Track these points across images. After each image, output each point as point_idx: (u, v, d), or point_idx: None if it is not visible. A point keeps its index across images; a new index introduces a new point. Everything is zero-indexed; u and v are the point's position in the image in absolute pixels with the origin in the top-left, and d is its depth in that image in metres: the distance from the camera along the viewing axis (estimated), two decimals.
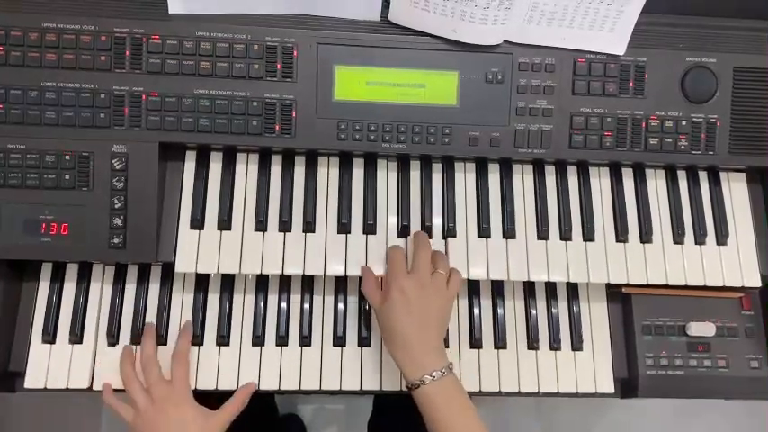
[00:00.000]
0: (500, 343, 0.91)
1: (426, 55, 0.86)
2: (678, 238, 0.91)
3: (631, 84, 0.88)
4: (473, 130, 0.87)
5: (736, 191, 0.95)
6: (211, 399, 0.85)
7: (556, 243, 0.90)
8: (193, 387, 0.85)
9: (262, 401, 1.28)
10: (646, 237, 0.91)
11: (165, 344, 0.87)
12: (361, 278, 0.86)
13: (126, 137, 0.83)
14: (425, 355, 0.77)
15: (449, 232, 0.89)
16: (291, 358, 0.88)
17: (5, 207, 0.81)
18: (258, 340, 0.88)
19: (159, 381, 0.81)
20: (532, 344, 0.91)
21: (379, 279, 0.86)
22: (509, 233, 0.89)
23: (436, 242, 0.88)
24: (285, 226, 0.87)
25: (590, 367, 0.91)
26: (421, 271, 0.81)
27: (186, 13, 0.83)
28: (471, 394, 0.89)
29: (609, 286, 0.94)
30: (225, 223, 0.86)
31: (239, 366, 0.87)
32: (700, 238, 0.92)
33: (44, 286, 0.88)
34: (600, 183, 0.93)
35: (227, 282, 0.90)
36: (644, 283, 0.89)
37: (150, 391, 0.81)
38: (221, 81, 0.83)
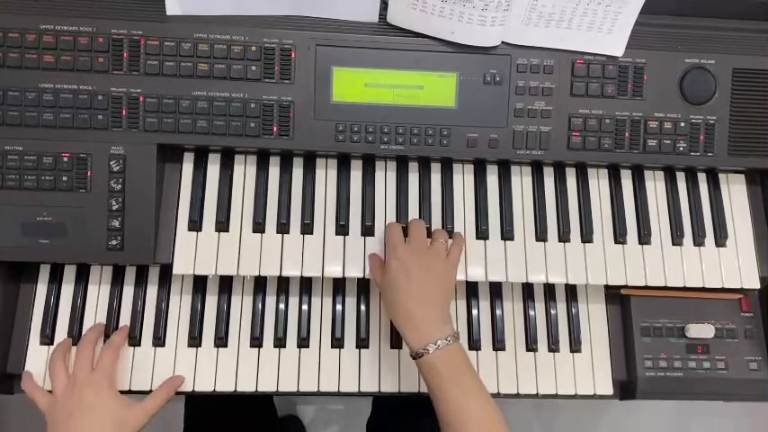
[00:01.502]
0: (498, 344, 0.91)
1: (424, 56, 0.85)
2: (677, 239, 0.91)
3: (630, 85, 0.88)
4: (471, 131, 0.86)
5: (736, 192, 0.94)
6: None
7: (554, 245, 0.89)
8: (191, 389, 0.86)
9: (261, 403, 1.28)
10: (644, 238, 0.90)
11: (163, 345, 0.87)
12: (359, 279, 0.87)
13: (124, 138, 0.83)
14: (429, 323, 0.76)
15: (447, 234, 0.88)
16: (290, 360, 0.88)
17: (3, 209, 0.81)
18: (256, 342, 0.88)
19: (83, 366, 0.80)
20: (531, 345, 0.91)
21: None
22: (507, 235, 0.89)
23: None
24: (283, 227, 0.87)
25: (589, 369, 0.91)
26: (418, 240, 0.81)
27: (184, 14, 0.82)
28: None
29: (608, 288, 0.94)
30: (223, 225, 0.86)
31: (237, 368, 0.87)
32: (698, 240, 0.91)
33: (42, 288, 0.88)
34: (598, 184, 0.93)
35: (226, 283, 0.90)
36: (643, 284, 0.89)
37: (73, 375, 0.79)
38: (219, 83, 0.83)
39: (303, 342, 0.89)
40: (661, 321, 0.92)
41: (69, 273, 0.89)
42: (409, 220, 0.88)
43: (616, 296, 0.94)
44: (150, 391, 0.85)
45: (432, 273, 0.79)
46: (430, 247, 0.81)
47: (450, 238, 0.88)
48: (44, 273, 0.89)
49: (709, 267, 0.90)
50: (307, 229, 0.87)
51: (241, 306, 0.90)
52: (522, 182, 0.92)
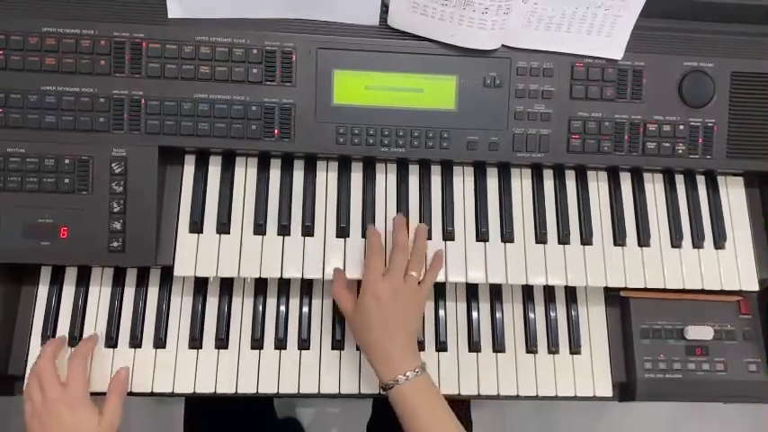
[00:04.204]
0: (498, 346, 0.91)
1: (425, 59, 0.86)
2: (676, 241, 0.91)
3: (629, 88, 0.88)
4: (471, 134, 0.87)
5: (734, 195, 0.95)
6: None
7: (554, 247, 0.90)
8: (191, 391, 0.86)
9: (260, 405, 1.28)
10: (644, 241, 0.91)
11: (164, 347, 0.87)
12: (360, 281, 0.87)
13: (125, 141, 0.83)
14: (398, 356, 0.78)
15: (447, 236, 0.89)
16: (290, 362, 0.88)
17: (5, 211, 0.81)
18: (257, 344, 0.88)
19: (53, 381, 0.78)
20: (531, 347, 0.91)
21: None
22: (507, 237, 0.89)
23: (435, 245, 0.88)
24: (284, 230, 0.87)
25: (588, 371, 0.92)
26: (395, 276, 0.81)
27: (185, 17, 0.83)
28: (470, 397, 0.89)
29: (607, 290, 0.94)
30: (224, 227, 0.86)
31: (238, 370, 0.87)
32: (697, 242, 0.92)
33: (43, 290, 0.88)
34: (598, 187, 0.93)
35: (226, 285, 0.90)
36: (642, 286, 0.89)
37: (43, 391, 0.78)
38: (220, 85, 0.83)
39: (304, 344, 0.89)
40: (660, 323, 0.92)
41: (70, 274, 0.89)
42: (393, 233, 0.85)
43: (615, 298, 0.94)
44: (151, 393, 0.86)
45: (405, 308, 0.81)
46: (404, 282, 0.81)
47: (451, 239, 0.88)
48: (45, 275, 0.89)
49: (707, 269, 0.91)
50: (307, 231, 0.87)
51: (242, 308, 0.90)
52: (521, 184, 0.92)
